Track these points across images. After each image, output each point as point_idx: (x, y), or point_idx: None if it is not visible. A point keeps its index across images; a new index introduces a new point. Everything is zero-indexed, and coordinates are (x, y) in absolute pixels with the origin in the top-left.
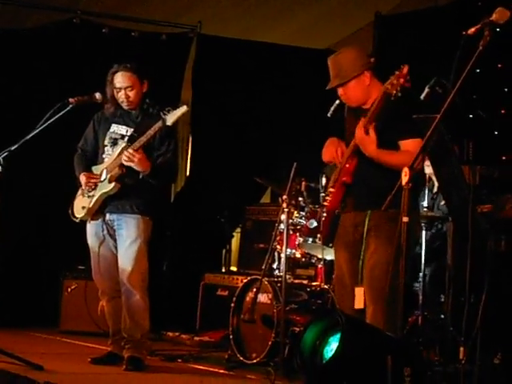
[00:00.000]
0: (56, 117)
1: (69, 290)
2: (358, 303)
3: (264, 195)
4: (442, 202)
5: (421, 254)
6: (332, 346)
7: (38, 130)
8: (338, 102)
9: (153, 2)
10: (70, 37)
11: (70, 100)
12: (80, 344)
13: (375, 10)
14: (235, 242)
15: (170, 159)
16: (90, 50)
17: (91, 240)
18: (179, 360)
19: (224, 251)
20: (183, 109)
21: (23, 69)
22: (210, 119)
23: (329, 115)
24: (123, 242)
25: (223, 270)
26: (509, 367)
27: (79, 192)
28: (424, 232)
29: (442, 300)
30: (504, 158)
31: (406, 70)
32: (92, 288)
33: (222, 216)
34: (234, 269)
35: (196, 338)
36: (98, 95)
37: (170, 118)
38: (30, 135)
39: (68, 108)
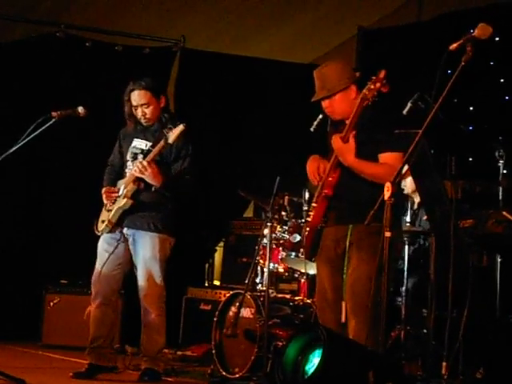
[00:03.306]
0: (38, 131)
1: (51, 304)
2: (343, 317)
3: (247, 209)
4: (424, 217)
5: (403, 268)
6: (314, 362)
7: (19, 145)
8: (321, 116)
9: (136, 16)
10: (53, 50)
11: (53, 114)
12: (62, 358)
13: (358, 24)
14: (218, 256)
15: (185, 170)
16: (73, 64)
17: (102, 244)
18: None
19: (207, 265)
20: (180, 127)
21: (6, 82)
22: (192, 133)
23: (312, 130)
24: (139, 260)
25: (206, 284)
26: (491, 382)
27: (103, 208)
28: (407, 247)
29: (425, 314)
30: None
31: (382, 74)
32: (74, 302)
33: (205, 230)
34: (217, 283)
35: (179, 353)
36: (80, 109)
37: (171, 137)
38: (12, 149)
39: (51, 122)
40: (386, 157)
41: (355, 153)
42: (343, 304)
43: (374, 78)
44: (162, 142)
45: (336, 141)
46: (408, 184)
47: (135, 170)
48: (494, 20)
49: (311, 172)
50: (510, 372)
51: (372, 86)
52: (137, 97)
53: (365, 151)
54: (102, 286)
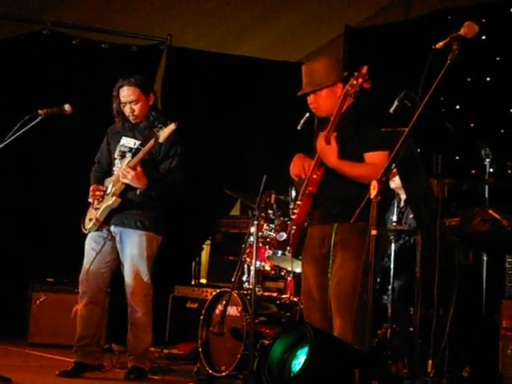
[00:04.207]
0: (25, 129)
1: (37, 302)
2: None
3: (233, 207)
4: (411, 216)
5: (389, 266)
6: (300, 360)
7: (6, 142)
8: (307, 114)
9: (123, 14)
10: (40, 48)
11: (39, 112)
12: (48, 356)
13: (345, 22)
14: (205, 254)
15: (173, 169)
16: (60, 62)
17: (90, 242)
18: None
19: (194, 263)
20: (172, 126)
21: None
22: (179, 131)
23: (299, 128)
24: (126, 258)
25: (193, 283)
26: (477, 380)
27: (90, 206)
28: (393, 245)
29: (411, 313)
30: (473, 171)
31: (364, 70)
32: (61, 301)
33: (192, 228)
34: (203, 281)
35: (165, 351)
36: (67, 107)
37: (161, 136)
38: None
39: (37, 120)
40: (372, 156)
41: (339, 152)
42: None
43: (356, 73)
44: (152, 142)
45: (320, 141)
46: (397, 180)
47: (121, 177)
48: (481, 19)
49: (296, 169)
50: (496, 370)
51: (354, 82)
52: (126, 93)
53: (350, 149)
54: (89, 284)
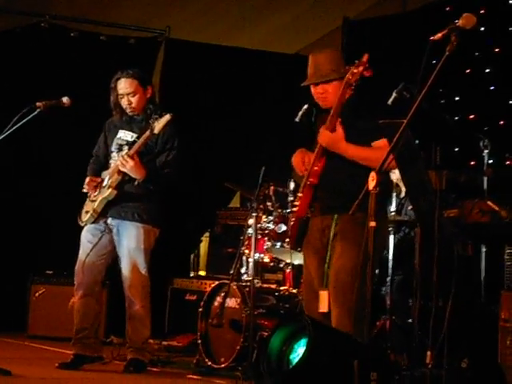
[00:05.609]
0: (23, 121)
1: (37, 294)
2: (322, 307)
3: (233, 200)
4: (410, 207)
5: (388, 258)
6: (299, 351)
7: (4, 135)
8: (306, 106)
9: (122, 7)
10: (38, 41)
11: (38, 104)
12: (48, 349)
13: (343, 14)
14: (204, 246)
15: (169, 163)
16: (58, 54)
17: (86, 234)
18: None
19: (192, 256)
20: (167, 117)
21: None
22: (177, 124)
23: (297, 120)
24: (124, 250)
25: (192, 275)
26: (476, 371)
27: (87, 198)
28: (392, 236)
29: (410, 304)
30: (472, 163)
31: (365, 58)
32: (60, 293)
33: (191, 220)
34: (202, 273)
35: (164, 343)
36: (65, 99)
37: (157, 127)
38: None
39: (35, 112)
40: (380, 143)
41: (345, 138)
42: (321, 293)
43: (356, 61)
44: (147, 133)
45: (324, 133)
46: (397, 172)
47: (119, 163)
48: (479, 10)
49: (297, 164)
50: (495, 361)
51: (355, 70)
52: (123, 85)
53: (354, 140)
54: (84, 276)
